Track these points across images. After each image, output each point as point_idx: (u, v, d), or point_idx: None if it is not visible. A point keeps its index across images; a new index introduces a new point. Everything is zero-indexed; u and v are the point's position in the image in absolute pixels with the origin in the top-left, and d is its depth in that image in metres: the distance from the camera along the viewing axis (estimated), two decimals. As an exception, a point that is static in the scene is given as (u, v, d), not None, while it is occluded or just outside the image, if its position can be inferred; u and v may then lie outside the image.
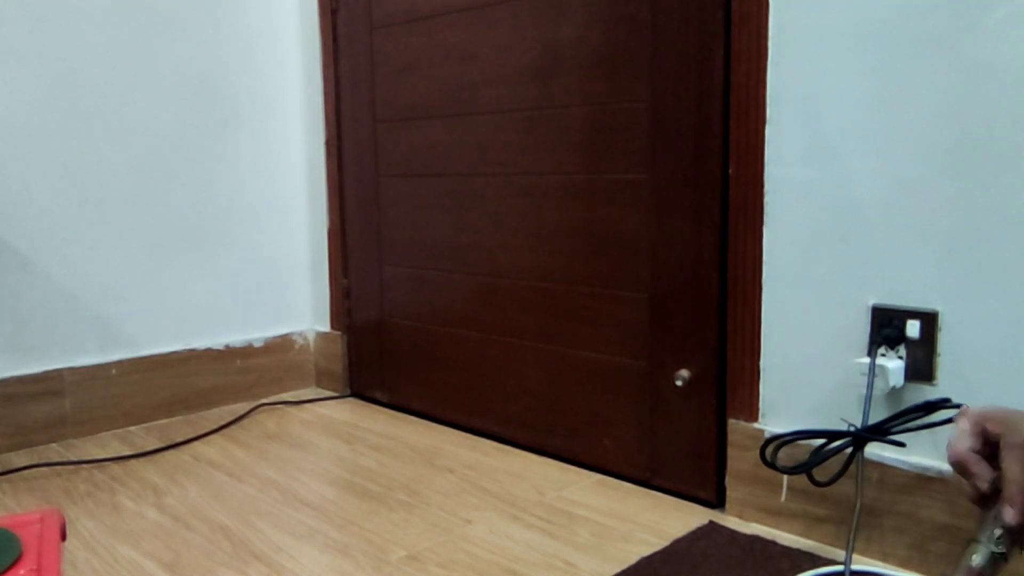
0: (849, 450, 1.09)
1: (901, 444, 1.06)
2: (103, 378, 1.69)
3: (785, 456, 1.17)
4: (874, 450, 1.10)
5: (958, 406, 1.03)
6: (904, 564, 1.07)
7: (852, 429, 1.09)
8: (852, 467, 1.10)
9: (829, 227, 1.13)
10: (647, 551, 1.12)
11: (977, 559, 0.66)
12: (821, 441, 1.11)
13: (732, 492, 1.25)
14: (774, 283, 1.20)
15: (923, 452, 1.07)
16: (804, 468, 1.11)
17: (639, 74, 1.34)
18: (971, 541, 0.69)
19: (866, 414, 1.08)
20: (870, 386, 1.08)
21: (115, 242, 1.70)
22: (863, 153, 1.09)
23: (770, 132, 1.18)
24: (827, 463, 1.10)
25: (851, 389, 1.13)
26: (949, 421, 1.03)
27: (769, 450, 1.14)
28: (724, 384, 1.27)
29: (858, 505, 1.08)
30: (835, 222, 1.13)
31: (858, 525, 1.11)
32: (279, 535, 1.21)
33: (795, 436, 1.13)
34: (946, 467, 1.05)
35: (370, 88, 1.82)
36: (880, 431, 1.06)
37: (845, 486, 1.12)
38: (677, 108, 1.29)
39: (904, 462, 1.08)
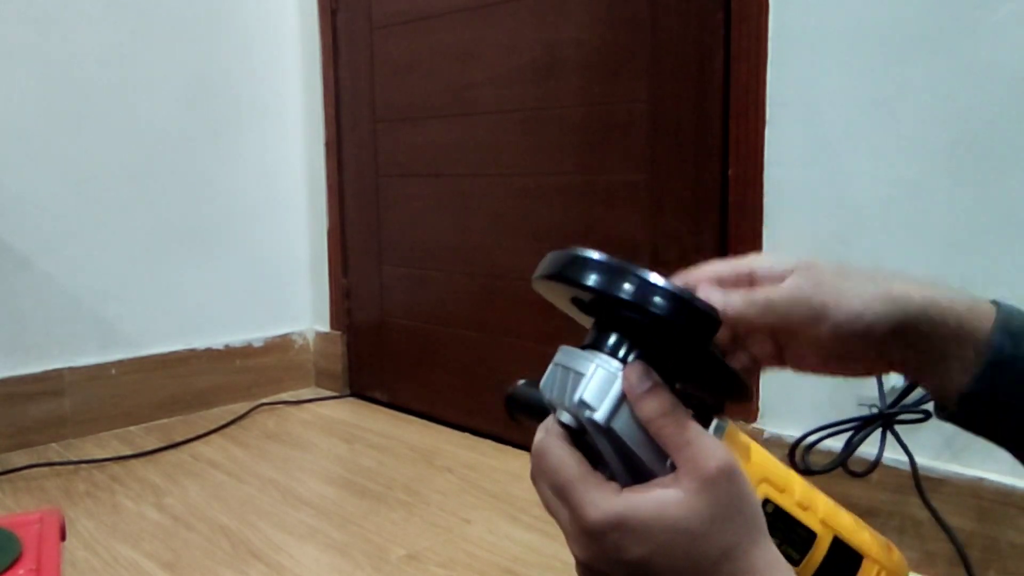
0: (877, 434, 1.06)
1: (928, 414, 1.02)
2: (103, 378, 1.69)
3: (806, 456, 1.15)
4: (871, 450, 1.10)
5: None
6: (907, 565, 1.07)
7: (876, 412, 1.05)
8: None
9: (829, 228, 1.13)
10: (647, 551, 1.12)
11: None
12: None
13: (732, 492, 1.25)
14: (774, 283, 1.20)
15: (926, 452, 1.07)
16: (839, 463, 1.07)
17: (639, 74, 1.34)
18: None
19: (882, 396, 1.06)
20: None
21: (115, 242, 1.70)
22: (863, 154, 1.09)
23: (770, 133, 1.18)
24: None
25: (850, 389, 1.13)
26: None
27: (799, 453, 1.11)
28: (724, 384, 1.27)
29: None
30: (835, 223, 1.13)
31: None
32: (279, 535, 1.21)
33: (821, 433, 1.08)
34: (944, 466, 1.05)
35: (370, 88, 1.82)
36: (903, 408, 1.03)
37: (844, 484, 1.12)
38: (677, 108, 1.29)
39: (903, 462, 1.08)
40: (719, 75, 1.23)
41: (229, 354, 1.88)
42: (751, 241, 1.20)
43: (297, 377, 2.01)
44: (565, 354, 0.44)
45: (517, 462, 1.51)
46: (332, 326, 1.99)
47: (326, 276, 1.99)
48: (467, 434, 1.67)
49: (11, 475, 1.45)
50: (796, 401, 1.19)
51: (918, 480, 1.05)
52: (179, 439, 1.63)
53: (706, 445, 0.40)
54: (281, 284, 1.98)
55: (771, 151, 1.18)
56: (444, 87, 1.66)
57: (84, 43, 1.64)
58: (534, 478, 0.45)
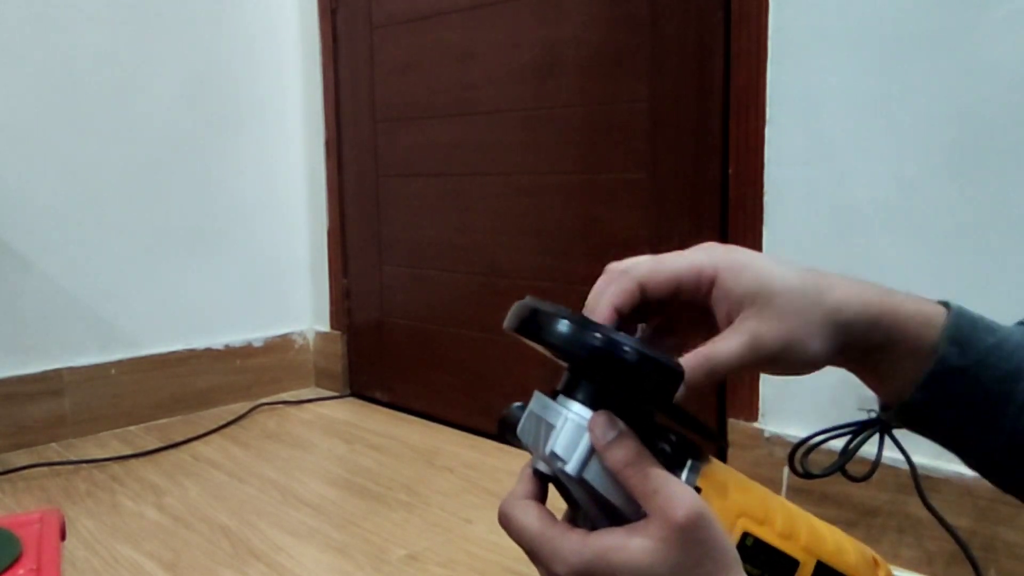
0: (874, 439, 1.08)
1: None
2: (103, 378, 1.69)
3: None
4: (873, 449, 1.10)
5: None
6: (907, 565, 1.07)
7: (875, 416, 1.07)
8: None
9: (829, 227, 1.13)
10: (647, 551, 1.12)
11: None
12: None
13: (732, 492, 1.25)
14: (774, 283, 1.20)
15: (924, 452, 1.07)
16: (837, 468, 1.09)
17: (639, 74, 1.34)
18: None
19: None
20: None
21: (115, 242, 1.70)
22: (863, 153, 1.09)
23: (770, 132, 1.18)
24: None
25: (850, 389, 1.12)
26: None
27: (798, 457, 1.12)
28: (724, 384, 1.27)
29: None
30: (835, 222, 1.13)
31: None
32: (279, 535, 1.21)
33: (820, 437, 1.11)
34: (948, 467, 1.05)
35: (370, 88, 1.82)
36: None
37: (844, 485, 1.12)
38: (677, 108, 1.29)
39: (902, 461, 1.08)
40: (719, 75, 1.23)
41: (229, 354, 1.88)
42: (751, 240, 1.21)
43: (297, 377, 2.01)
44: (538, 402, 0.45)
45: (518, 462, 1.50)
46: (332, 326, 1.99)
47: (326, 276, 1.99)
48: (468, 434, 1.67)
49: (11, 475, 1.45)
50: (797, 400, 1.19)
51: (917, 481, 1.05)
52: (179, 439, 1.63)
53: (672, 493, 0.40)
54: (281, 284, 1.98)
55: (771, 150, 1.18)
56: (444, 87, 1.66)
57: (84, 43, 1.64)
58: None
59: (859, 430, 1.12)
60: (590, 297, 0.48)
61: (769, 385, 1.21)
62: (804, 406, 1.18)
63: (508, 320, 0.45)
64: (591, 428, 0.42)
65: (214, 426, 1.71)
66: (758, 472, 1.21)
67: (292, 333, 2.00)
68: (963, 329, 0.46)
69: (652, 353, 0.40)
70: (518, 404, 0.48)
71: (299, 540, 1.19)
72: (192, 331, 1.82)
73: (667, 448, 0.43)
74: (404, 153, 1.77)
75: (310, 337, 2.03)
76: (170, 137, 1.77)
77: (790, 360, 0.45)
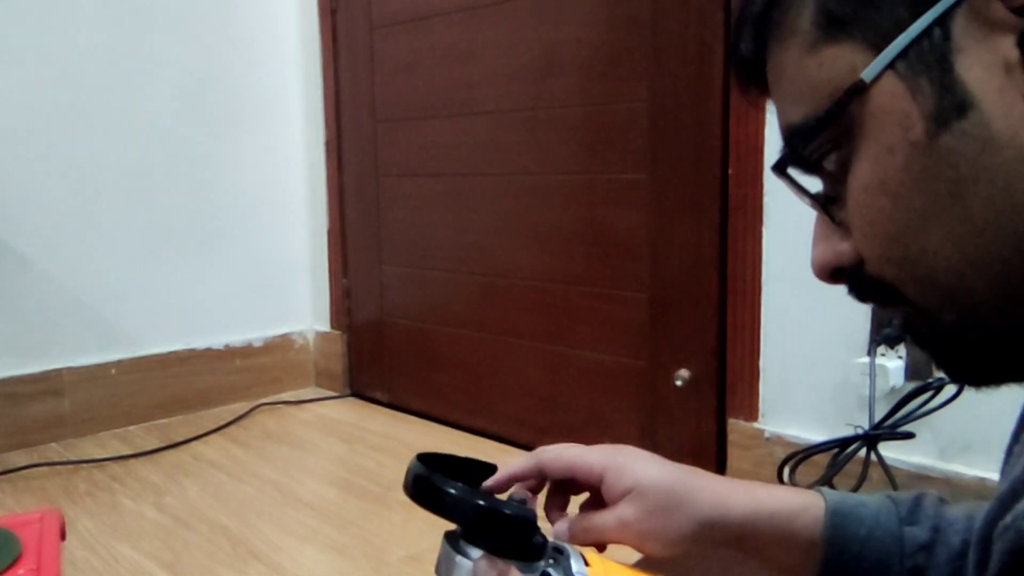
0: (863, 452, 1.09)
1: (911, 435, 1.05)
2: (103, 378, 1.69)
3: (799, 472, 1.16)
4: (893, 455, 1.10)
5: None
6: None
7: (861, 432, 1.09)
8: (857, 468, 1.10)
9: (829, 227, 1.13)
10: (647, 551, 1.12)
11: None
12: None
13: (732, 492, 1.25)
14: (774, 283, 1.20)
15: (923, 451, 1.07)
16: (824, 482, 1.10)
17: (639, 74, 1.34)
18: None
19: (872, 413, 1.08)
20: (872, 386, 1.08)
21: (115, 242, 1.70)
22: (863, 153, 1.09)
23: (770, 132, 1.18)
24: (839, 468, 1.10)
25: (851, 389, 1.13)
26: (950, 402, 1.02)
27: (786, 471, 1.14)
28: (724, 384, 1.27)
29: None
30: (835, 222, 1.12)
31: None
32: (279, 535, 1.21)
33: (808, 452, 1.13)
34: (947, 466, 1.05)
35: (370, 88, 1.82)
36: (887, 427, 1.06)
37: (844, 486, 1.12)
38: (677, 108, 1.29)
39: (904, 461, 1.08)
40: (719, 75, 1.23)
41: (229, 354, 1.88)
42: (751, 240, 1.21)
43: (297, 377, 2.01)
44: (446, 540, 0.57)
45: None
46: (332, 326, 1.99)
47: (326, 276, 1.99)
48: (468, 434, 1.67)
49: (11, 475, 1.45)
50: (797, 400, 1.19)
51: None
52: (179, 439, 1.63)
53: None
54: (281, 284, 1.98)
55: (771, 150, 1.18)
56: (444, 87, 1.66)
57: (84, 43, 1.64)
58: None
59: (844, 446, 1.14)
60: (504, 467, 0.64)
61: (769, 385, 1.21)
62: (804, 406, 1.18)
63: (404, 483, 0.56)
64: (474, 573, 0.53)
65: (214, 426, 1.71)
66: (759, 472, 1.21)
67: (292, 333, 2.00)
68: (839, 528, 0.56)
69: (500, 507, 0.51)
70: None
71: (299, 540, 1.19)
72: (192, 331, 1.82)
73: (551, 571, 0.51)
74: (404, 153, 1.77)
75: (310, 337, 2.03)
76: (170, 137, 1.77)
77: (654, 542, 0.57)
